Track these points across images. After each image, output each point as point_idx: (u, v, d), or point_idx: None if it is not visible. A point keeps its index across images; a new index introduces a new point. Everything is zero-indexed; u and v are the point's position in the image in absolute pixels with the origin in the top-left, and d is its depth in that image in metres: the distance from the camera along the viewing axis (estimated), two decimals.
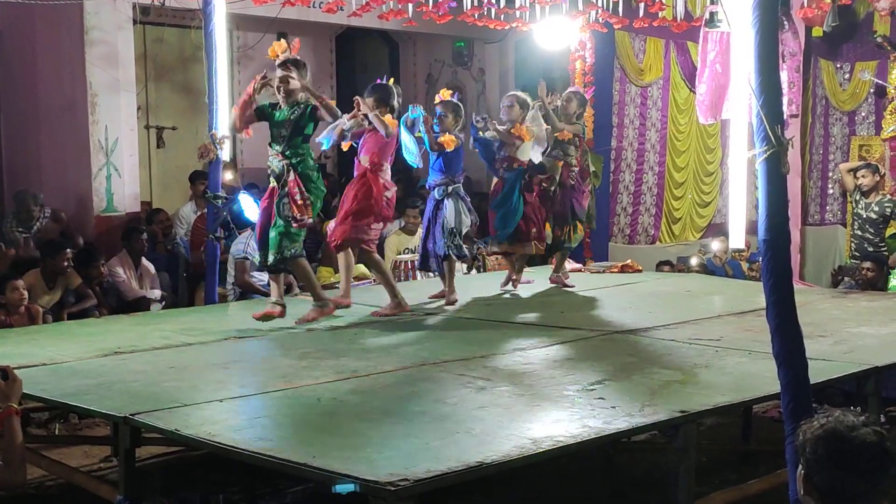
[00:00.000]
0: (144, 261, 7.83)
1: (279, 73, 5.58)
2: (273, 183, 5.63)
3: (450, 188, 6.47)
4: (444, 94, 6.66)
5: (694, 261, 9.24)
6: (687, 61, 10.19)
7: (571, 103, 7.18)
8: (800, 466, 2.30)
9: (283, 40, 5.77)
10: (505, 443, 3.35)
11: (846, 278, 8.55)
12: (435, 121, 6.44)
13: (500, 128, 6.69)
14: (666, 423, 3.81)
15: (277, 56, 5.63)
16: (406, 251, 8.56)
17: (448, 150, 6.38)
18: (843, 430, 2.23)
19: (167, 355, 4.92)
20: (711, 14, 7.59)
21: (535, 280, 7.34)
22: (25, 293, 6.44)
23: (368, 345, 5.24)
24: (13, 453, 2.84)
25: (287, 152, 5.56)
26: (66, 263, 7.08)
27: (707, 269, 9.06)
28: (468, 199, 6.66)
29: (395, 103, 6.05)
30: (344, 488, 2.94)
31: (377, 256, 6.28)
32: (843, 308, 6.38)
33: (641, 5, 8.25)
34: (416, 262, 6.94)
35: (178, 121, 10.26)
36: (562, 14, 8.25)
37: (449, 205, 6.45)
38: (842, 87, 10.88)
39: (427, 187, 6.63)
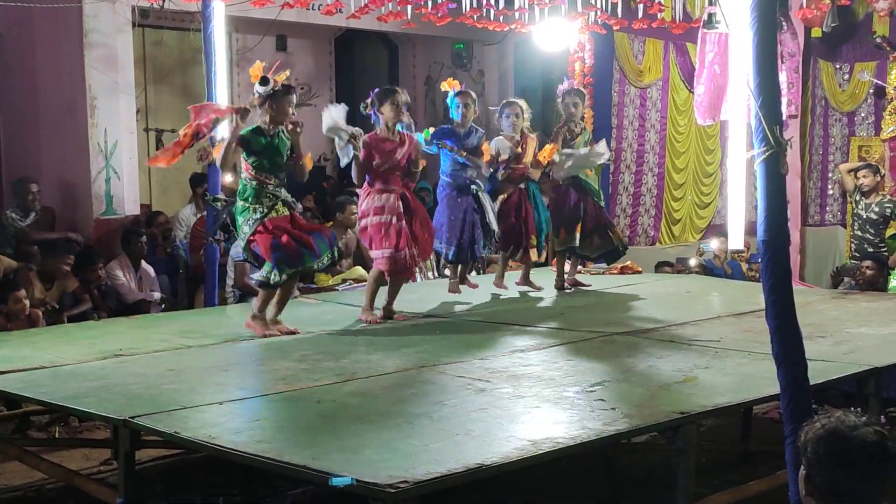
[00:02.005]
0: (144, 263, 7.83)
1: (288, 96, 5.31)
2: (286, 212, 5.39)
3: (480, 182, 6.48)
4: (455, 84, 6.51)
5: (692, 261, 9.24)
6: (686, 62, 10.19)
7: (579, 108, 7.14)
8: (801, 467, 2.30)
9: (263, 63, 5.46)
10: (504, 444, 3.35)
11: (846, 279, 8.55)
12: (459, 111, 6.34)
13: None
14: (665, 424, 3.81)
15: (266, 75, 5.30)
16: None
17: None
18: (845, 430, 2.23)
19: (167, 358, 4.92)
20: (710, 15, 7.59)
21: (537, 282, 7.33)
22: (27, 303, 6.45)
23: (368, 347, 5.24)
24: None
25: (286, 182, 5.45)
26: (66, 267, 7.10)
27: (706, 269, 9.06)
28: None
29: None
30: (341, 481, 2.95)
31: None
32: (843, 309, 6.38)
33: (640, 6, 8.25)
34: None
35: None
36: (561, 15, 8.25)
37: (487, 202, 6.45)
38: (841, 87, 10.88)
39: (466, 182, 6.41)
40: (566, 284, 7.19)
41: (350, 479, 2.94)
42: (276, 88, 5.25)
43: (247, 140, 5.27)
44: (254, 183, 5.30)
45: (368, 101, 5.88)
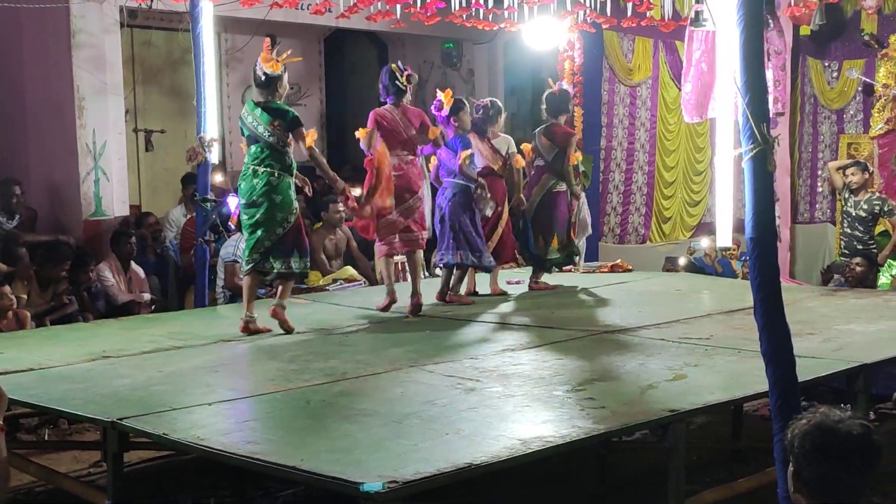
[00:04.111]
0: (133, 265, 7.80)
1: (285, 74, 5.75)
2: None
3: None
4: (448, 95, 6.76)
5: (682, 261, 9.24)
6: (675, 60, 10.19)
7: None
8: (789, 464, 2.30)
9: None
10: (494, 444, 3.35)
11: (835, 276, 8.57)
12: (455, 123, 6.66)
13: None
14: (656, 422, 3.82)
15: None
16: None
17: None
18: (830, 424, 2.23)
19: (156, 359, 4.91)
20: (697, 13, 7.59)
21: (523, 281, 7.34)
22: (13, 298, 6.41)
23: (357, 347, 5.24)
24: None
25: None
26: (63, 273, 7.08)
27: (696, 267, 9.07)
28: None
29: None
30: (371, 487, 2.93)
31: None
32: (832, 306, 6.40)
33: (629, 5, 8.25)
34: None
35: (166, 124, 10.23)
36: (550, 14, 8.25)
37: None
38: (830, 85, 10.89)
39: (472, 188, 6.61)
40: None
41: (381, 484, 2.90)
42: (283, 72, 5.71)
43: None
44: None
45: (409, 74, 6.28)
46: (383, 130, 6.12)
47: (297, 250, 5.62)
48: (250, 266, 5.62)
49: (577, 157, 7.19)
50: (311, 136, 5.71)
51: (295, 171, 5.74)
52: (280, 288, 5.70)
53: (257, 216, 5.57)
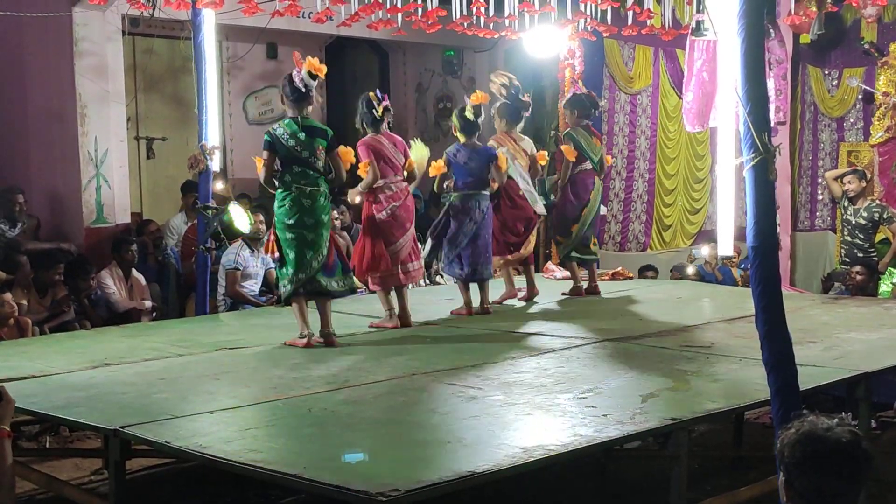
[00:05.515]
0: (135, 272, 7.81)
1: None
2: None
3: None
4: (483, 97, 6.78)
5: (690, 269, 9.24)
6: (676, 69, 10.22)
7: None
8: (780, 474, 2.31)
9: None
10: (496, 452, 3.35)
11: (836, 284, 8.58)
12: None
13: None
14: (657, 430, 3.82)
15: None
16: None
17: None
18: (819, 432, 2.24)
19: (157, 367, 4.91)
20: (698, 22, 7.62)
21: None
22: (14, 305, 6.41)
23: (359, 355, 5.24)
24: (3, 476, 2.81)
25: None
26: (57, 277, 7.09)
27: (699, 275, 9.08)
28: None
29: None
30: (353, 457, 2.95)
31: None
32: (833, 314, 6.40)
33: (630, 13, 8.28)
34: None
35: (167, 132, 10.25)
36: (551, 22, 8.27)
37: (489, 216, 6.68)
38: (830, 93, 10.92)
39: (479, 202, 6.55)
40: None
41: (362, 454, 3.02)
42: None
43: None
44: None
45: (385, 106, 6.02)
46: (380, 158, 5.94)
47: (342, 267, 5.57)
48: (294, 288, 5.39)
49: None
50: (348, 157, 5.66)
51: None
52: (323, 309, 5.49)
53: (309, 237, 5.37)
